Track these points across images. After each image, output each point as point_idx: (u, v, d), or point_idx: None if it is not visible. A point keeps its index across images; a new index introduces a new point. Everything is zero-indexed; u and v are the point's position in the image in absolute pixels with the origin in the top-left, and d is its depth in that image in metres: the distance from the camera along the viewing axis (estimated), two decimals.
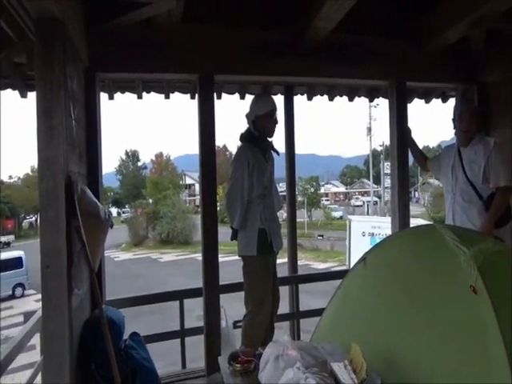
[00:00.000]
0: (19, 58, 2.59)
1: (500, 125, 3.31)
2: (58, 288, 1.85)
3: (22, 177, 42.93)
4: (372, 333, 1.87)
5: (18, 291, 15.87)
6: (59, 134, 1.85)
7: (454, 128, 2.90)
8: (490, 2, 2.50)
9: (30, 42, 2.21)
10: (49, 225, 1.84)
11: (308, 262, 18.64)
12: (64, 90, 1.92)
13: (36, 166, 1.95)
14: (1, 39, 2.36)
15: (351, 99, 3.62)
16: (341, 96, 3.60)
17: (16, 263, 16.06)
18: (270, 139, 2.83)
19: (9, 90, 2.97)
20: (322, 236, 26.94)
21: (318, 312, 2.89)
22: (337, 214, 36.41)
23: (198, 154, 2.93)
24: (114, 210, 41.62)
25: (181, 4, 2.39)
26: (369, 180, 38.92)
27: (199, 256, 3.19)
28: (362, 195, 53.32)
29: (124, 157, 49.12)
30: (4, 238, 28.30)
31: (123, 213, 39.08)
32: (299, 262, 3.57)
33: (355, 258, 3.24)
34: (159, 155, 43.06)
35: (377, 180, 38.09)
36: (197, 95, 2.92)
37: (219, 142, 48.78)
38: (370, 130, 34.11)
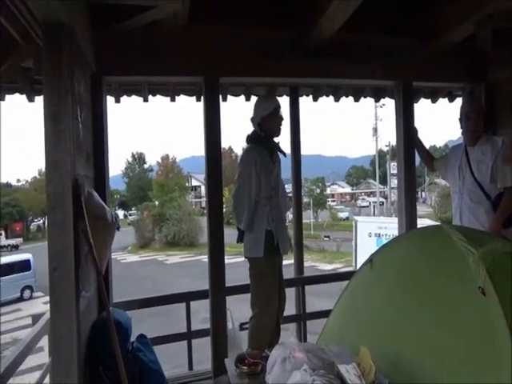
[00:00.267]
0: (26, 63, 2.61)
1: (507, 124, 3.28)
2: (66, 290, 1.86)
3: (29, 180, 43.53)
4: (379, 334, 1.86)
5: (27, 293, 16.00)
6: (66, 137, 1.86)
7: (461, 128, 2.88)
8: (496, 1, 2.48)
9: (37, 47, 2.23)
10: (56, 227, 1.85)
11: (314, 264, 18.59)
12: (71, 94, 1.94)
13: (43, 169, 1.97)
14: (8, 44, 2.38)
15: (357, 100, 3.61)
16: (346, 96, 3.59)
17: (24, 266, 16.22)
18: (276, 140, 2.83)
19: (16, 95, 3.01)
20: (328, 237, 26.83)
21: (324, 314, 2.88)
22: (343, 215, 36.31)
23: (204, 155, 2.93)
24: (120, 213, 41.85)
25: (186, 5, 2.39)
26: (375, 180, 38.69)
27: (205, 258, 3.19)
28: (368, 196, 53.08)
29: (130, 159, 49.53)
30: (12, 241, 28.61)
31: (130, 215, 39.17)
32: (305, 264, 3.57)
33: (362, 258, 3.22)
34: (165, 157, 43.11)
35: (383, 180, 37.85)
36: (202, 97, 2.93)
37: (225, 143, 48.79)
38: (376, 130, 33.91)
